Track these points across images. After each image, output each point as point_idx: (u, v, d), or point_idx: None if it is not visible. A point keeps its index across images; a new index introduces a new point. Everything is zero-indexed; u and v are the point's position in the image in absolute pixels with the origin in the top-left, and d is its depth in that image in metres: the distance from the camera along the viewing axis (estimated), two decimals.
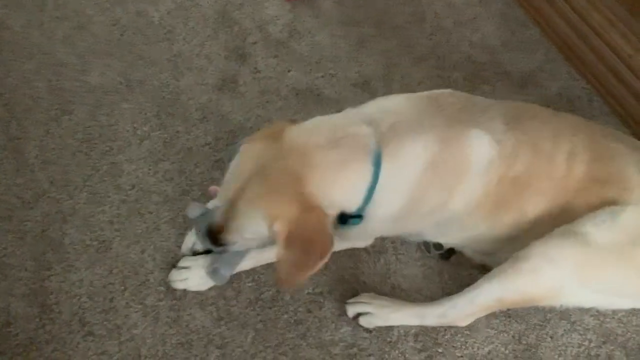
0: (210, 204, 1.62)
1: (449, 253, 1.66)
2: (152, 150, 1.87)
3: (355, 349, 1.54)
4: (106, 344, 1.53)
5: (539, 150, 1.42)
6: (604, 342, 1.58)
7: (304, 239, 1.27)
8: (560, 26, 2.18)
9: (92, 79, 2.04)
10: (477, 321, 1.54)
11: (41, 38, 2.14)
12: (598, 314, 1.62)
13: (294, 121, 1.39)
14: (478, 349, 1.56)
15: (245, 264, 1.59)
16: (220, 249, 1.42)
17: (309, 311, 1.60)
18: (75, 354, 1.51)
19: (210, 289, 1.60)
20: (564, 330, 1.60)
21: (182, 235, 1.66)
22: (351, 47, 2.19)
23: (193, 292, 1.60)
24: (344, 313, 1.58)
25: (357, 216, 1.36)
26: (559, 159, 1.42)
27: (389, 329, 1.57)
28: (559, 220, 1.40)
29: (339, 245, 1.63)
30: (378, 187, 1.33)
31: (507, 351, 1.56)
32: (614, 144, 1.47)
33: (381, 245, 1.70)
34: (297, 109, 2.00)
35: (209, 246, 1.46)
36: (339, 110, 1.46)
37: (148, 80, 2.05)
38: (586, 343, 1.58)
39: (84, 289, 1.60)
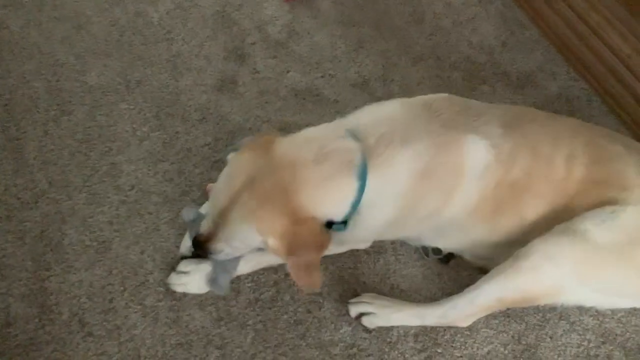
0: (205, 208, 1.62)
1: (447, 258, 1.67)
2: (152, 151, 1.87)
3: (354, 349, 1.55)
4: (106, 344, 1.53)
5: (537, 153, 1.42)
6: (603, 342, 1.59)
7: (302, 244, 1.32)
8: (559, 26, 2.18)
9: (91, 80, 2.04)
10: (477, 321, 1.55)
11: (40, 38, 2.14)
12: (597, 314, 1.62)
13: (286, 127, 1.41)
14: (477, 349, 1.56)
15: (245, 268, 1.60)
16: (207, 257, 1.46)
17: (309, 311, 1.60)
18: (75, 355, 1.51)
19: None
20: (563, 330, 1.60)
21: (182, 235, 1.66)
22: (350, 47, 2.19)
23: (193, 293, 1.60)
24: (343, 313, 1.59)
25: (342, 222, 1.39)
26: (558, 162, 1.42)
27: (389, 329, 1.57)
28: (559, 223, 1.40)
29: (337, 249, 1.64)
30: (364, 200, 1.36)
31: (506, 351, 1.56)
32: (613, 146, 1.47)
33: (380, 246, 1.70)
34: (296, 110, 2.00)
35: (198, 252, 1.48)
36: (337, 112, 1.47)
37: (147, 81, 2.05)
38: (585, 343, 1.58)
39: (83, 290, 1.60)
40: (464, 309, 1.48)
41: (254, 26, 2.23)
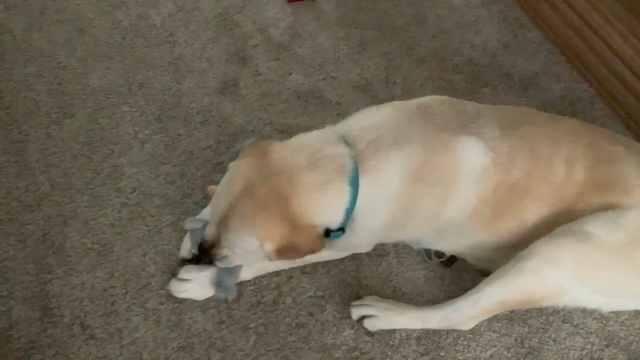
0: (205, 212, 1.62)
1: (450, 261, 1.66)
2: (154, 154, 1.87)
3: (357, 352, 1.54)
4: (107, 347, 1.52)
5: (536, 155, 1.41)
6: (607, 345, 1.58)
7: (294, 249, 1.35)
8: (562, 28, 2.18)
9: (93, 82, 2.04)
10: (480, 324, 1.54)
11: (42, 41, 2.15)
12: (601, 317, 1.62)
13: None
14: (480, 352, 1.55)
15: (248, 274, 1.60)
16: (212, 263, 1.48)
17: (311, 314, 1.59)
18: (76, 358, 1.51)
19: None
20: (567, 333, 1.59)
21: (184, 238, 1.66)
22: (352, 49, 2.19)
23: None
24: (346, 316, 1.58)
25: (339, 229, 1.40)
26: (558, 164, 1.41)
27: (391, 332, 1.56)
28: (559, 226, 1.40)
29: (339, 255, 1.64)
30: (358, 205, 1.36)
31: (509, 354, 1.56)
32: (614, 147, 1.46)
33: (383, 249, 1.70)
34: (299, 112, 2.00)
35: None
36: (339, 114, 1.47)
37: (149, 83, 2.05)
38: (589, 346, 1.57)
39: (85, 293, 1.60)
40: (466, 312, 1.47)
41: (256, 28, 2.23)
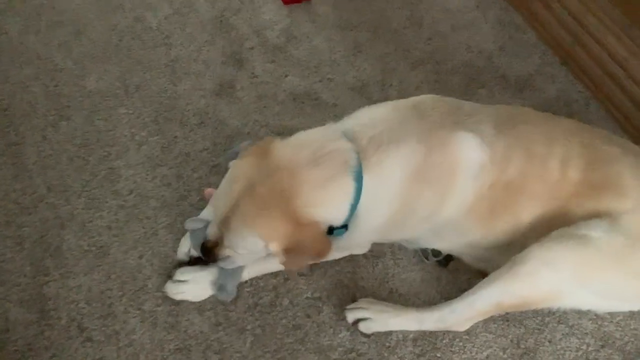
0: (205, 212, 1.63)
1: (446, 260, 1.67)
2: (150, 156, 1.87)
3: (353, 354, 1.54)
4: (104, 349, 1.53)
5: (532, 154, 1.42)
6: (602, 346, 1.58)
7: (301, 248, 1.33)
8: (556, 30, 2.19)
9: (89, 84, 2.04)
10: (476, 325, 1.55)
11: (39, 44, 2.15)
12: (596, 317, 1.62)
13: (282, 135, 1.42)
14: (476, 353, 1.56)
15: (247, 274, 1.60)
16: (214, 264, 1.48)
17: (308, 316, 1.60)
18: None
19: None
20: (563, 334, 1.60)
21: (180, 240, 1.66)
22: (348, 51, 2.19)
23: None
24: (342, 318, 1.58)
25: (342, 226, 1.39)
26: (553, 164, 1.42)
27: (388, 333, 1.57)
28: (555, 225, 1.40)
29: (336, 255, 1.64)
30: (362, 201, 1.36)
31: (505, 355, 1.56)
32: (609, 148, 1.47)
33: (379, 250, 1.70)
34: (295, 114, 2.00)
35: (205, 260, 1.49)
36: (335, 115, 1.47)
37: (146, 86, 2.05)
38: (584, 347, 1.58)
39: (82, 295, 1.60)
40: (462, 313, 1.48)
41: (252, 31, 2.23)
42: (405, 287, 1.66)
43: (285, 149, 1.36)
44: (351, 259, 1.68)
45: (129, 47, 2.16)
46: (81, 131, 1.92)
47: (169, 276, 1.61)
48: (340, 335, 1.57)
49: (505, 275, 1.39)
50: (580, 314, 1.62)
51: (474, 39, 2.26)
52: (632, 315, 1.63)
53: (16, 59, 2.10)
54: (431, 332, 1.57)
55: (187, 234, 1.62)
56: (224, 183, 1.39)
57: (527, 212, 1.43)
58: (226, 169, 1.42)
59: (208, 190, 1.68)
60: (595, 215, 1.39)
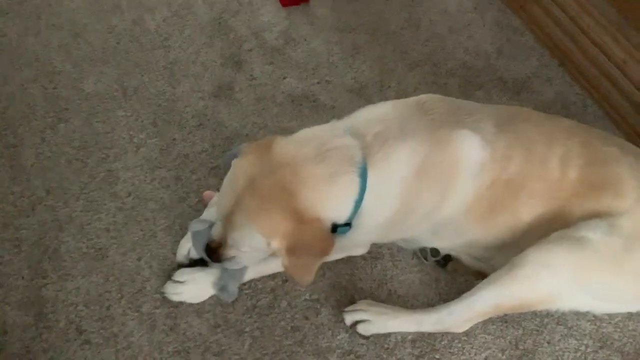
0: (206, 213, 1.63)
1: (445, 260, 1.67)
2: (149, 158, 1.87)
3: (352, 356, 1.54)
4: (103, 352, 1.52)
5: (532, 153, 1.42)
6: (601, 347, 1.59)
7: (304, 247, 1.31)
8: (554, 31, 2.19)
9: (88, 87, 2.04)
10: (474, 327, 1.54)
11: (37, 46, 2.15)
12: (595, 319, 1.62)
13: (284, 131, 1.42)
14: (475, 354, 1.56)
15: (248, 275, 1.59)
16: (219, 264, 1.46)
17: (306, 318, 1.60)
18: None
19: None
20: (561, 335, 1.60)
21: (179, 242, 1.66)
22: (347, 53, 2.20)
23: None
24: (341, 320, 1.58)
25: (346, 224, 1.38)
26: (553, 163, 1.42)
27: (386, 335, 1.57)
28: (554, 225, 1.41)
29: (335, 255, 1.63)
30: (366, 197, 1.35)
31: (504, 357, 1.56)
32: (608, 148, 1.47)
33: (378, 252, 1.70)
34: (293, 116, 2.00)
35: (210, 262, 1.49)
36: (333, 117, 1.48)
37: (144, 88, 2.05)
38: (583, 348, 1.58)
39: (80, 297, 1.60)
40: (460, 315, 1.48)
41: (251, 33, 2.24)
42: (403, 288, 1.66)
43: (288, 146, 1.35)
44: (349, 260, 1.68)
45: (127, 49, 2.16)
46: (79, 133, 1.92)
47: (169, 277, 1.61)
48: (338, 337, 1.57)
49: (504, 277, 1.39)
50: (579, 315, 1.63)
51: (472, 41, 2.26)
52: (630, 316, 1.63)
53: (15, 61, 2.10)
54: (430, 334, 1.57)
55: (187, 236, 1.62)
56: (226, 181, 1.38)
57: (527, 211, 1.43)
58: (225, 171, 1.42)
59: (207, 193, 1.69)
60: (595, 215, 1.39)
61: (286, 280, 1.64)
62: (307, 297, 1.62)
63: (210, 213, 1.60)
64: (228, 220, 1.34)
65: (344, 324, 1.57)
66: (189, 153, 1.89)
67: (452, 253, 1.64)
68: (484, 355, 1.56)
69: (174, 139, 1.92)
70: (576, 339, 1.59)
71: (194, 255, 1.60)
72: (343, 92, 2.08)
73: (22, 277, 1.63)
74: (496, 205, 1.43)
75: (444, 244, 1.59)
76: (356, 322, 1.56)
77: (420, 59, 2.20)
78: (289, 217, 1.28)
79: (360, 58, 2.18)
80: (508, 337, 1.59)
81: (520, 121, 1.48)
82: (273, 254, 1.38)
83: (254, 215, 1.31)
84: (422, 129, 1.39)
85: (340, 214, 1.36)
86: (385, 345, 1.56)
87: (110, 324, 1.56)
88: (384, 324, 1.55)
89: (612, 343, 1.59)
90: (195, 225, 1.54)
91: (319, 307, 1.61)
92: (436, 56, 2.21)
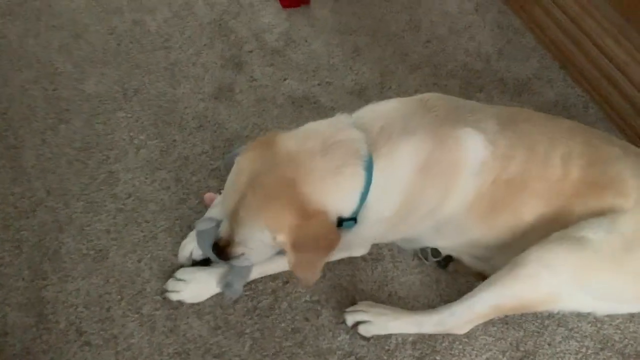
0: (209, 213, 1.62)
1: (446, 261, 1.66)
2: (149, 159, 1.87)
3: (352, 358, 1.54)
4: (103, 353, 1.52)
5: (534, 152, 1.42)
6: (602, 349, 1.58)
7: (310, 241, 1.31)
8: (555, 33, 2.19)
9: (88, 88, 2.04)
10: (475, 329, 1.54)
11: (38, 47, 2.15)
12: (595, 320, 1.62)
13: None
14: (476, 356, 1.56)
15: (251, 275, 1.59)
16: (227, 262, 1.46)
17: (307, 319, 1.59)
18: None
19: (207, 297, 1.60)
20: (562, 337, 1.60)
21: (179, 244, 1.66)
22: (347, 55, 2.20)
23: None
24: (341, 321, 1.58)
25: (351, 219, 1.38)
26: (555, 162, 1.42)
27: (387, 337, 1.56)
28: (555, 225, 1.41)
29: (336, 255, 1.63)
30: (371, 191, 1.35)
31: (505, 358, 1.56)
32: (610, 148, 1.47)
33: (378, 253, 1.70)
34: (293, 118, 2.00)
35: (217, 261, 1.49)
36: (332, 116, 1.48)
37: (145, 89, 2.05)
38: (584, 350, 1.58)
39: (80, 299, 1.60)
40: (461, 316, 1.48)
41: (251, 34, 2.24)
42: (404, 290, 1.66)
43: (292, 140, 1.35)
44: (350, 262, 1.68)
45: (127, 50, 2.16)
46: (80, 135, 1.92)
47: (169, 278, 1.61)
48: (339, 339, 1.57)
49: (504, 278, 1.39)
50: (580, 317, 1.62)
51: (473, 43, 2.26)
52: (631, 317, 1.63)
53: (15, 63, 2.10)
54: (430, 335, 1.57)
55: (188, 237, 1.62)
56: (229, 179, 1.38)
57: (528, 210, 1.43)
58: (225, 173, 1.42)
59: (208, 195, 1.68)
60: (596, 215, 1.39)
61: (287, 282, 1.64)
62: (307, 298, 1.62)
63: (214, 212, 1.60)
64: (234, 217, 1.34)
65: (345, 325, 1.57)
66: (189, 154, 1.89)
67: (453, 253, 1.64)
68: (484, 356, 1.56)
69: (175, 141, 1.92)
70: (577, 341, 1.59)
71: (197, 256, 1.60)
72: (343, 94, 2.08)
73: (23, 279, 1.63)
74: (498, 205, 1.43)
75: (446, 244, 1.59)
76: (357, 323, 1.56)
77: (420, 61, 2.20)
78: (294, 211, 1.28)
79: (360, 60, 2.18)
80: (509, 339, 1.59)
81: (521, 121, 1.48)
82: (280, 251, 1.38)
83: (259, 210, 1.30)
84: (425, 125, 1.40)
85: (346, 207, 1.35)
86: (386, 347, 1.56)
87: (110, 326, 1.56)
88: (384, 325, 1.55)
89: (612, 345, 1.59)
90: (200, 225, 1.53)
91: (319, 308, 1.61)
92: (437, 58, 2.21)
